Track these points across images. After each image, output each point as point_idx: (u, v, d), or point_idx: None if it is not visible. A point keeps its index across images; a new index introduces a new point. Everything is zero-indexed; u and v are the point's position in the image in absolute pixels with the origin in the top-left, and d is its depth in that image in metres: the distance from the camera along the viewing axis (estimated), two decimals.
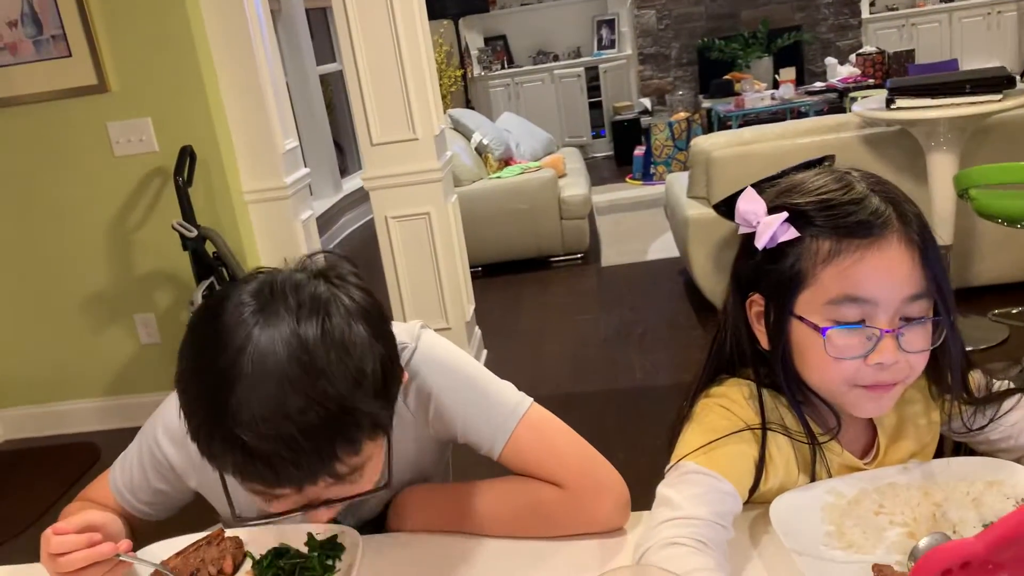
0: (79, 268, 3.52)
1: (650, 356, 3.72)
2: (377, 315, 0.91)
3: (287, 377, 0.81)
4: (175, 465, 1.10)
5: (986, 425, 1.04)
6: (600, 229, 5.91)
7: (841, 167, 1.01)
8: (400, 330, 1.10)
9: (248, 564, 1.05)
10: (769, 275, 0.97)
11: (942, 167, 3.19)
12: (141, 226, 3.49)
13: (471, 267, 3.88)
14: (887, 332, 0.91)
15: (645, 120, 7.66)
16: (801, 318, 0.95)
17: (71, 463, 1.13)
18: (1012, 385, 1.06)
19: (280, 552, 1.03)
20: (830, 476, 1.02)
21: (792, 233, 0.94)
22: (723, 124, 6.75)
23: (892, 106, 3.25)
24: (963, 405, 1.04)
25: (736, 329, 1.04)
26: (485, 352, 3.87)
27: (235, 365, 0.81)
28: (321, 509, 0.91)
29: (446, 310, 3.59)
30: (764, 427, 1.00)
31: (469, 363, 1.11)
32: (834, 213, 0.93)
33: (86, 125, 3.35)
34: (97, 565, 0.94)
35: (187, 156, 3.25)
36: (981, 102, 3.10)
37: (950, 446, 1.12)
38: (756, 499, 1.01)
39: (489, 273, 5.21)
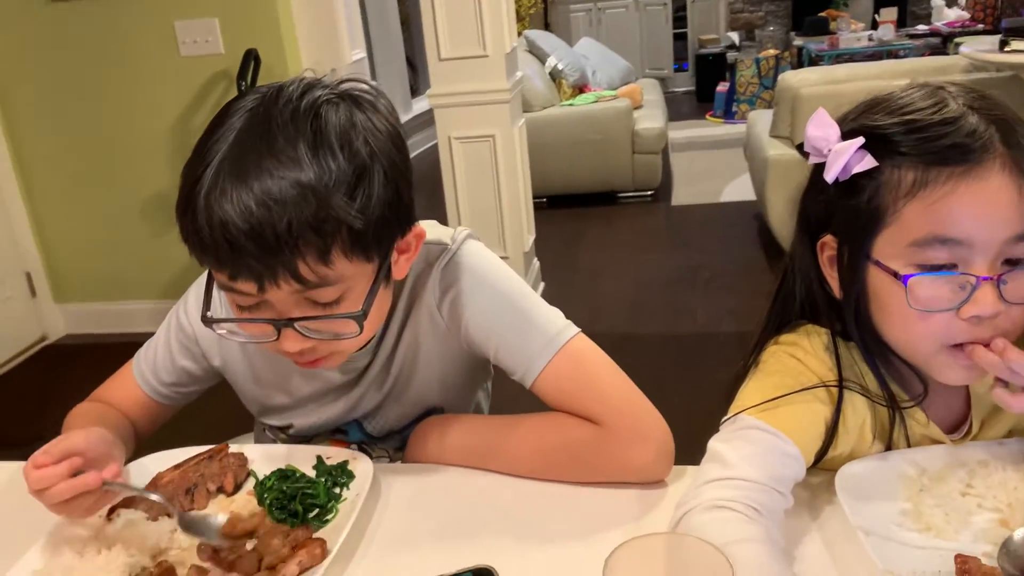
0: (142, 170, 3.50)
1: (714, 302, 3.56)
2: (390, 143, 0.86)
3: (263, 158, 0.79)
4: (200, 338, 1.07)
5: None
6: (673, 166, 5.69)
7: (935, 82, 0.84)
8: (441, 232, 1.02)
9: (250, 484, 0.97)
10: (842, 213, 0.83)
11: None
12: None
13: (535, 197, 3.76)
14: (985, 279, 0.75)
15: (731, 55, 7.32)
16: (879, 263, 0.80)
17: (126, 360, 1.11)
18: None
19: (285, 474, 0.94)
20: (909, 448, 0.88)
21: (869, 162, 0.79)
22: (814, 64, 6.37)
23: (1006, 48, 2.98)
24: None
25: (806, 276, 0.90)
26: (542, 285, 3.76)
27: (219, 141, 0.81)
28: (291, 333, 0.86)
29: (505, 238, 3.48)
30: (841, 384, 0.86)
31: (514, 280, 1.01)
32: (921, 136, 0.78)
33: (153, 23, 3.30)
34: (84, 495, 0.85)
35: (251, 60, 3.18)
36: None
37: None
38: (821, 465, 0.88)
39: (553, 205, 5.07)
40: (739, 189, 4.88)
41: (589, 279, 4.00)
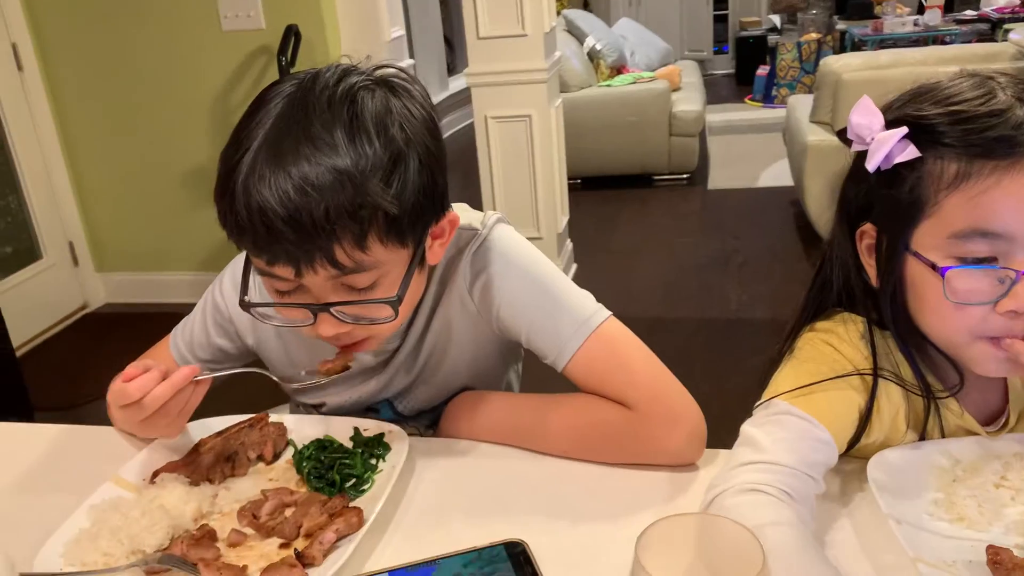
0: (183, 143, 3.55)
1: (748, 287, 3.54)
2: (425, 130, 0.87)
3: (300, 144, 0.80)
4: (235, 318, 1.09)
5: None
6: (710, 150, 5.64)
7: (984, 71, 0.83)
8: (472, 216, 1.02)
9: (289, 452, 0.99)
10: (882, 202, 0.82)
11: None
12: (243, 106, 3.46)
13: (569, 179, 3.75)
14: None
15: (772, 38, 7.21)
16: (917, 254, 0.80)
17: (164, 331, 1.14)
18: None
19: (323, 444, 0.97)
20: (943, 436, 0.88)
21: (911, 152, 0.78)
22: (857, 49, 6.26)
23: None
24: None
25: (844, 264, 0.89)
26: (575, 267, 3.76)
27: (257, 127, 0.82)
28: (327, 317, 0.88)
29: (539, 219, 3.49)
30: (876, 372, 0.86)
31: (544, 264, 1.01)
32: (967, 128, 0.76)
33: None
34: (177, 396, 0.92)
35: (292, 35, 3.20)
36: None
37: None
38: (853, 453, 0.88)
39: (587, 187, 5.05)
40: (777, 174, 4.83)
41: (622, 262, 3.99)
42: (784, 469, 0.78)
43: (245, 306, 0.93)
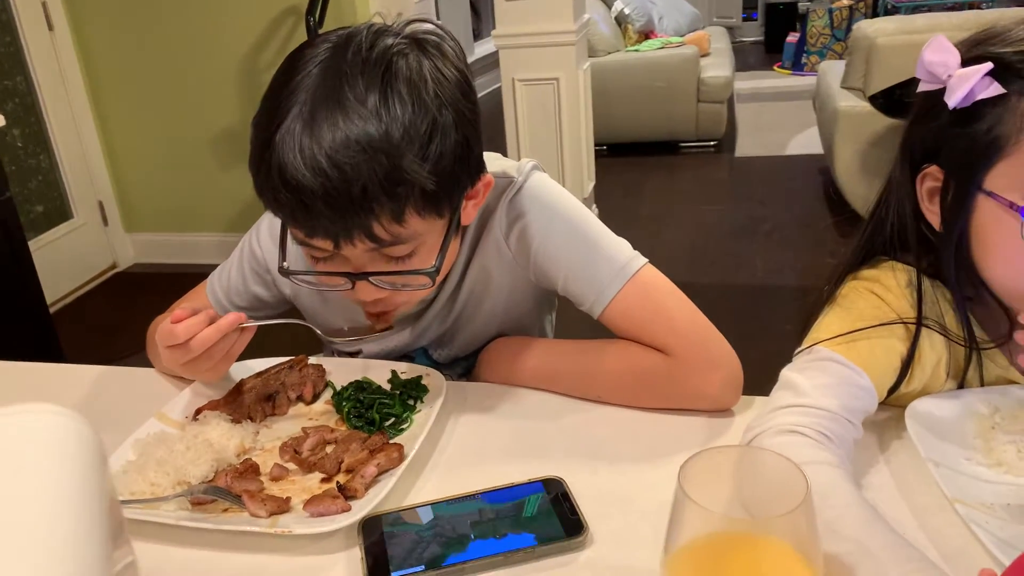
0: (211, 104, 3.56)
1: (775, 255, 3.52)
2: (459, 92, 0.85)
3: (335, 114, 0.79)
4: (271, 266, 1.09)
5: None
6: (738, 117, 5.58)
7: None
8: (508, 164, 1.01)
9: (328, 394, 1.01)
10: (956, 141, 0.81)
11: None
12: (272, 66, 3.47)
13: (596, 144, 3.72)
14: None
15: (803, 5, 7.08)
16: (993, 194, 0.78)
17: (191, 290, 1.15)
18: None
19: (362, 386, 0.98)
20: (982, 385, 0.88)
21: (996, 89, 0.77)
22: (890, 14, 6.13)
23: None
24: None
25: (901, 206, 0.88)
26: None
27: (291, 96, 0.81)
28: (366, 285, 0.88)
29: (565, 183, 3.47)
30: (920, 321, 0.86)
31: (582, 211, 1.01)
32: None
33: None
34: (222, 341, 0.93)
35: None
36: None
37: None
38: (892, 401, 0.88)
39: (614, 153, 5.02)
40: (805, 142, 4.77)
41: (649, 228, 3.97)
42: (824, 412, 0.79)
43: (284, 272, 0.93)
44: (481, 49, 6.92)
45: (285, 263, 0.93)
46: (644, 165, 4.88)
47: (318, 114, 0.79)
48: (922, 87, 0.84)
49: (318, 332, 1.03)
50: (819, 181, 4.25)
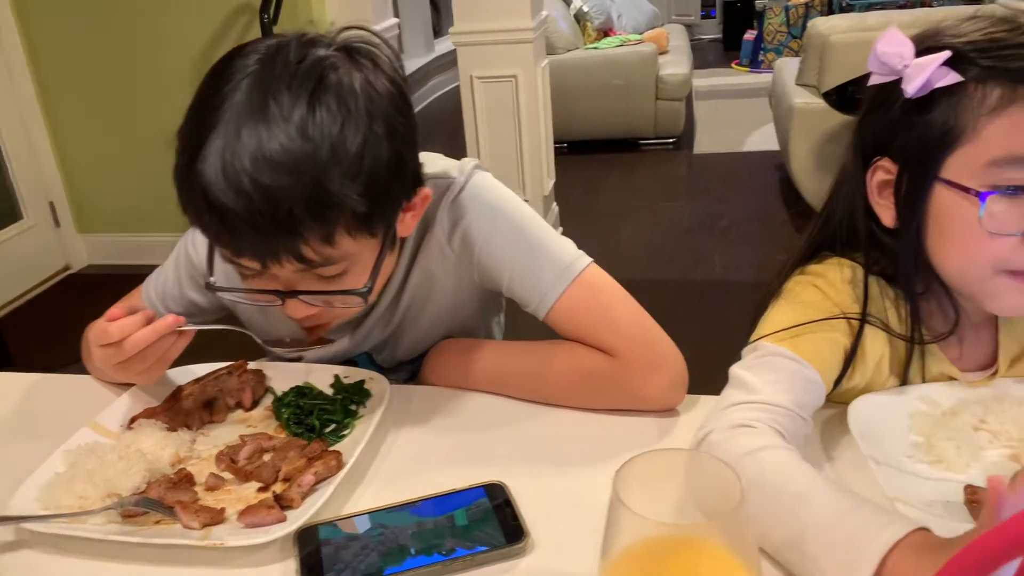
0: (164, 102, 3.48)
1: (732, 250, 3.54)
2: (392, 107, 0.83)
3: (260, 131, 0.76)
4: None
5: None
6: (697, 114, 5.61)
7: (1001, 11, 0.82)
8: (449, 165, 1.00)
9: (269, 400, 0.98)
10: (911, 132, 0.81)
11: None
12: None
13: (556, 142, 3.72)
14: None
15: (760, 3, 7.14)
16: (951, 183, 0.79)
17: (126, 295, 1.12)
18: None
19: (303, 391, 0.96)
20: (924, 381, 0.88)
21: (953, 77, 0.77)
22: (845, 12, 6.21)
23: None
24: None
25: (851, 201, 0.88)
26: (560, 229, 3.74)
27: (216, 111, 0.78)
28: (296, 303, 0.86)
29: (524, 181, 3.47)
30: (864, 316, 0.86)
31: (525, 211, 1.00)
32: (1009, 53, 0.76)
33: None
34: (157, 343, 0.90)
35: None
36: None
37: None
38: (834, 398, 0.88)
39: (574, 150, 5.02)
40: (762, 139, 4.81)
41: (608, 225, 3.98)
42: (776, 408, 0.79)
43: (211, 289, 0.91)
44: (442, 46, 6.88)
45: (213, 278, 0.91)
46: (604, 162, 4.89)
47: (243, 131, 0.76)
48: (874, 80, 0.84)
49: (258, 340, 1.00)
50: (775, 177, 4.28)
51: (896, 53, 0.80)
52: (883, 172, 0.85)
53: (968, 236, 0.78)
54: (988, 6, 0.82)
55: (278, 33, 0.84)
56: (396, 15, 3.60)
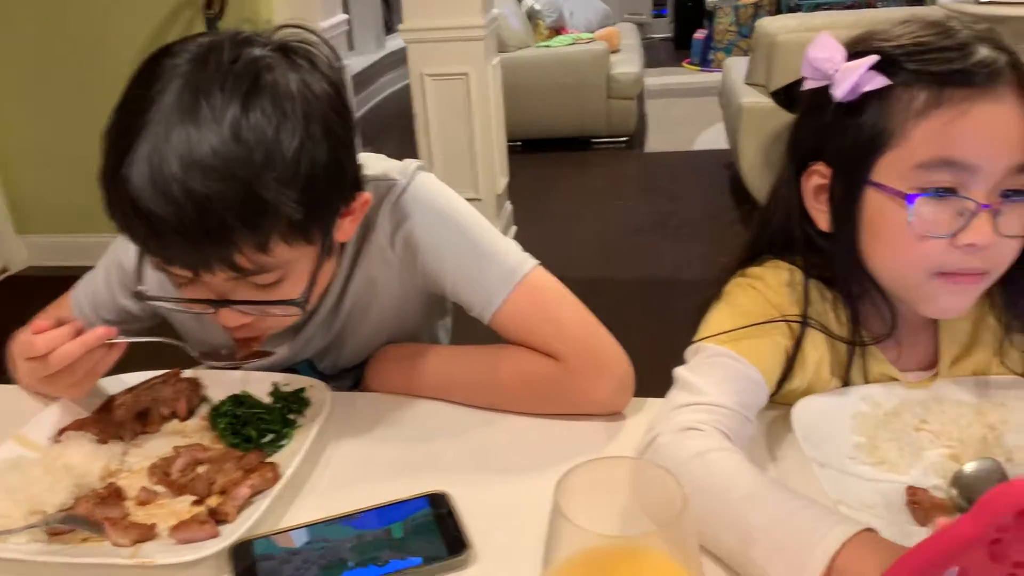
0: (107, 99, 3.34)
1: (683, 248, 3.57)
2: (330, 109, 0.80)
3: (190, 135, 0.73)
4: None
5: None
6: (648, 113, 5.64)
7: (934, 16, 0.83)
8: (392, 166, 0.97)
9: (205, 409, 0.95)
10: (842, 135, 0.81)
11: None
12: None
13: (509, 140, 3.70)
14: (985, 207, 0.75)
15: (711, 2, 7.21)
16: (881, 185, 0.79)
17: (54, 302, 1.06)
18: None
19: (240, 400, 0.93)
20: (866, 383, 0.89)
21: (881, 81, 0.78)
22: (793, 12, 6.31)
23: (982, 0, 2.96)
24: None
25: (788, 205, 0.89)
26: (514, 228, 3.74)
27: (144, 113, 0.75)
28: (229, 312, 0.83)
29: (477, 180, 3.45)
30: (805, 319, 0.86)
31: (469, 213, 0.98)
32: (936, 57, 0.77)
33: None
34: (86, 357, 0.86)
35: None
36: None
37: None
38: (777, 400, 0.88)
39: (527, 149, 5.00)
40: (712, 138, 4.85)
41: (561, 223, 3.98)
42: (722, 410, 0.79)
43: (140, 297, 0.87)
44: (393, 43, 6.80)
45: (142, 287, 0.87)
46: (557, 161, 4.89)
47: (172, 135, 0.73)
48: (808, 85, 0.84)
49: (193, 353, 0.95)
50: (725, 176, 4.32)
51: (828, 58, 0.80)
52: (818, 176, 0.85)
53: (899, 239, 0.79)
54: (923, 8, 0.83)
55: (210, 31, 0.81)
56: (346, 11, 3.54)
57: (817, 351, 0.88)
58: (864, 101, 0.79)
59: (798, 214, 0.88)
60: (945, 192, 0.76)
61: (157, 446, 0.90)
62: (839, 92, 0.79)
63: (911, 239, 0.78)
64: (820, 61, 0.81)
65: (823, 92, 0.81)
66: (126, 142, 0.75)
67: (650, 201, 4.19)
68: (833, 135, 0.83)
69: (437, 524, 0.75)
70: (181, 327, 1.05)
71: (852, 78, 0.78)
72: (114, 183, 0.75)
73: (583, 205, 4.22)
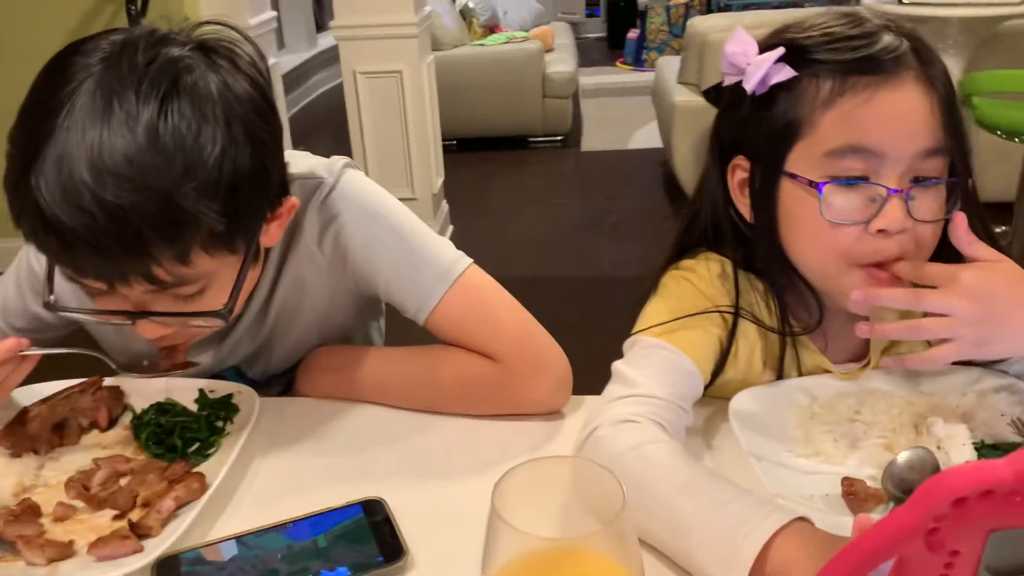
0: (20, 98, 3.26)
1: (620, 246, 3.59)
2: (254, 112, 0.76)
3: (103, 141, 0.68)
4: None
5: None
6: (584, 112, 5.68)
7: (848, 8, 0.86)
8: (318, 164, 0.94)
9: (127, 418, 0.91)
10: (758, 127, 0.83)
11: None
12: None
13: (445, 139, 3.68)
14: (895, 192, 0.77)
15: (643, 1, 7.29)
16: (794, 175, 0.81)
17: None
18: None
19: (164, 408, 0.89)
20: (800, 376, 0.89)
21: (787, 72, 0.79)
22: (723, 11, 6.41)
23: (904, 1, 3.05)
24: None
25: (714, 198, 0.90)
26: (451, 228, 3.71)
27: (53, 116, 0.70)
28: (147, 322, 0.79)
29: (413, 179, 3.41)
30: (737, 309, 0.87)
31: (400, 212, 0.95)
32: (840, 46, 0.79)
33: None
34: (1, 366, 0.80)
35: None
36: (998, 3, 2.91)
37: None
38: (713, 394, 0.88)
39: (463, 148, 4.98)
40: (647, 136, 4.91)
41: (499, 222, 3.97)
42: (657, 401, 0.79)
43: (50, 308, 0.82)
44: (325, 41, 6.71)
45: (52, 297, 0.82)
46: (494, 160, 4.88)
47: (83, 141, 0.68)
48: (726, 80, 0.86)
49: (113, 365, 0.90)
50: (660, 174, 4.37)
51: (741, 52, 0.82)
52: (740, 170, 0.87)
53: (814, 228, 0.80)
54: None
55: (124, 28, 0.77)
56: (275, 8, 3.47)
57: (749, 341, 0.89)
58: (775, 93, 0.81)
59: (724, 206, 0.89)
60: (855, 180, 0.78)
61: (75, 459, 0.85)
62: (749, 85, 0.81)
63: (825, 228, 0.79)
64: (735, 56, 0.83)
65: (740, 86, 0.83)
66: (33, 147, 0.70)
67: (587, 199, 4.21)
68: (749, 128, 0.84)
69: (373, 531, 0.73)
70: (99, 335, 1.00)
71: (761, 71, 0.80)
72: (20, 190, 0.70)
73: (520, 204, 4.22)
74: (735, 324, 0.87)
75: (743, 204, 0.87)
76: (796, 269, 0.86)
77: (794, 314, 0.89)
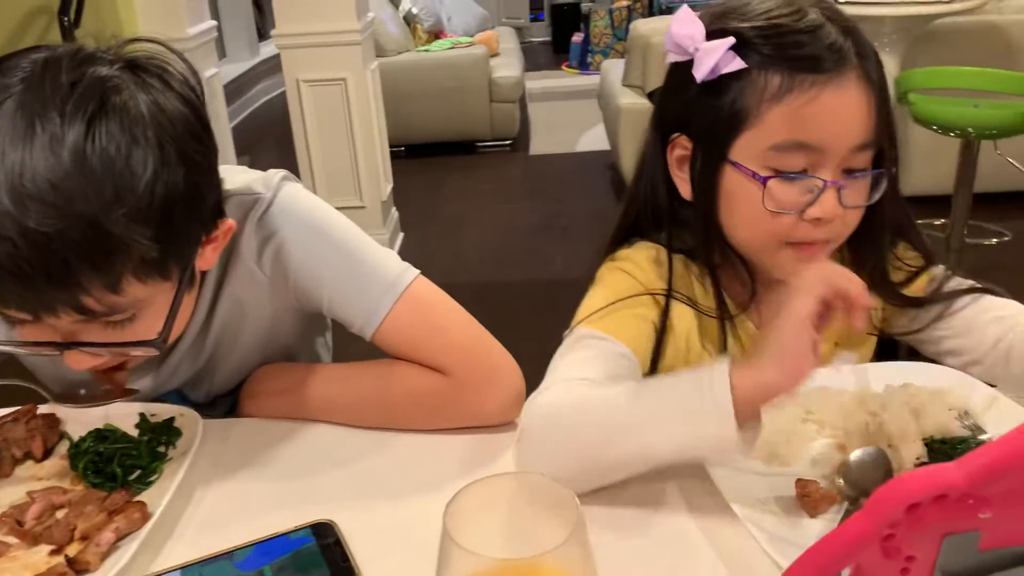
0: None
1: (572, 249, 3.60)
2: (187, 133, 0.73)
3: (25, 167, 0.65)
4: None
5: (928, 325, 0.93)
6: (531, 116, 5.68)
7: None
8: (255, 178, 0.91)
9: (64, 447, 0.87)
10: (703, 113, 0.84)
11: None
12: None
13: (392, 146, 3.66)
14: (830, 184, 0.81)
15: (586, 5, 7.33)
16: (738, 165, 0.83)
17: None
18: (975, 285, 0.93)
19: (103, 435, 0.86)
20: (743, 351, 0.91)
21: (738, 64, 0.81)
22: (666, 14, 6.49)
23: (840, 0, 3.11)
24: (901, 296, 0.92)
25: (653, 175, 0.91)
26: (402, 235, 3.68)
27: None
28: (77, 353, 0.76)
29: (361, 188, 3.38)
30: (669, 292, 0.89)
31: (341, 224, 0.92)
32: (788, 42, 0.80)
33: None
34: None
35: None
36: (930, 2, 2.98)
37: (906, 353, 0.99)
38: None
39: (411, 154, 4.95)
40: (594, 139, 4.93)
41: (450, 229, 3.95)
42: (585, 382, 0.80)
43: None
44: (267, 49, 6.60)
45: None
46: (443, 165, 4.86)
47: (3, 165, 0.65)
48: (670, 59, 0.87)
49: (48, 396, 0.86)
50: (608, 176, 4.40)
51: (688, 35, 0.83)
52: (680, 148, 0.88)
53: (754, 213, 0.83)
54: None
55: (46, 45, 0.73)
56: (215, 17, 3.40)
57: (684, 322, 0.90)
58: (723, 81, 0.82)
59: (662, 184, 0.91)
60: (796, 174, 0.81)
61: (8, 492, 0.82)
62: (699, 74, 0.82)
63: (763, 214, 0.82)
64: (681, 37, 0.84)
65: (686, 67, 0.84)
66: None
67: (537, 203, 4.21)
68: (695, 112, 0.85)
69: (324, 555, 0.71)
70: (31, 365, 0.96)
71: (711, 60, 0.81)
72: None
73: (470, 209, 4.21)
74: (667, 306, 0.89)
75: (681, 180, 0.89)
76: (730, 243, 0.89)
77: (728, 291, 0.92)
